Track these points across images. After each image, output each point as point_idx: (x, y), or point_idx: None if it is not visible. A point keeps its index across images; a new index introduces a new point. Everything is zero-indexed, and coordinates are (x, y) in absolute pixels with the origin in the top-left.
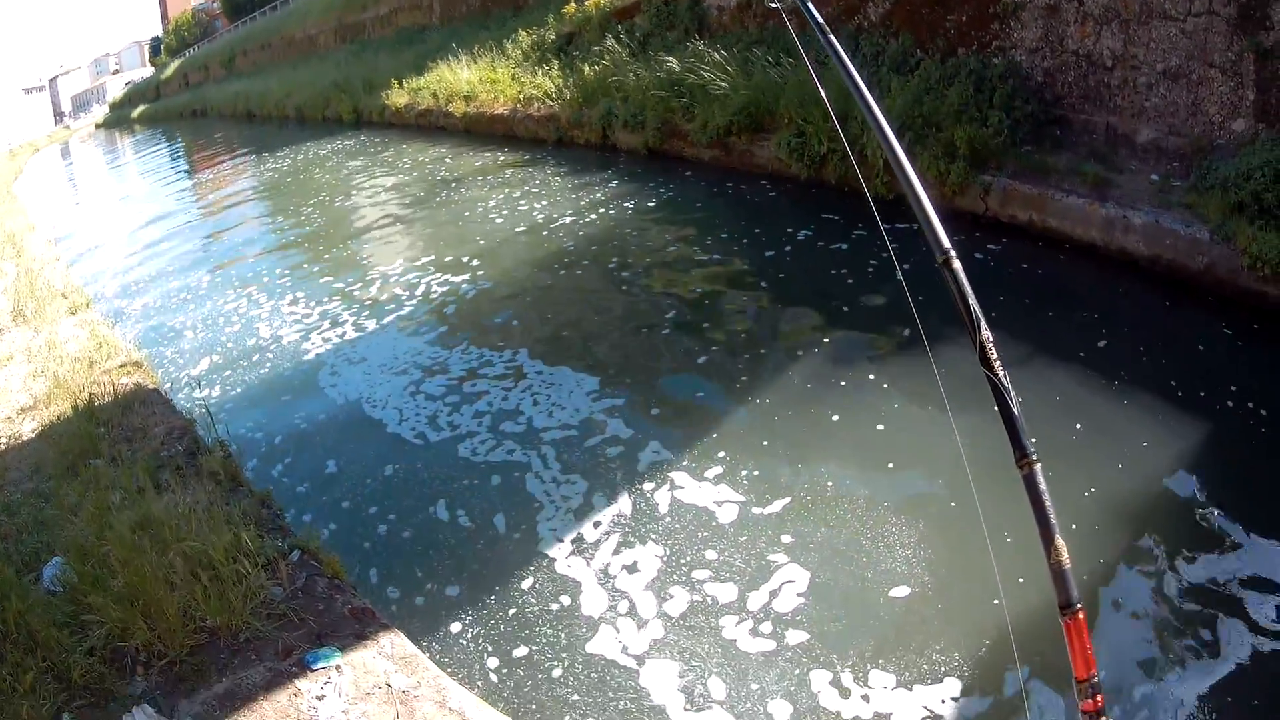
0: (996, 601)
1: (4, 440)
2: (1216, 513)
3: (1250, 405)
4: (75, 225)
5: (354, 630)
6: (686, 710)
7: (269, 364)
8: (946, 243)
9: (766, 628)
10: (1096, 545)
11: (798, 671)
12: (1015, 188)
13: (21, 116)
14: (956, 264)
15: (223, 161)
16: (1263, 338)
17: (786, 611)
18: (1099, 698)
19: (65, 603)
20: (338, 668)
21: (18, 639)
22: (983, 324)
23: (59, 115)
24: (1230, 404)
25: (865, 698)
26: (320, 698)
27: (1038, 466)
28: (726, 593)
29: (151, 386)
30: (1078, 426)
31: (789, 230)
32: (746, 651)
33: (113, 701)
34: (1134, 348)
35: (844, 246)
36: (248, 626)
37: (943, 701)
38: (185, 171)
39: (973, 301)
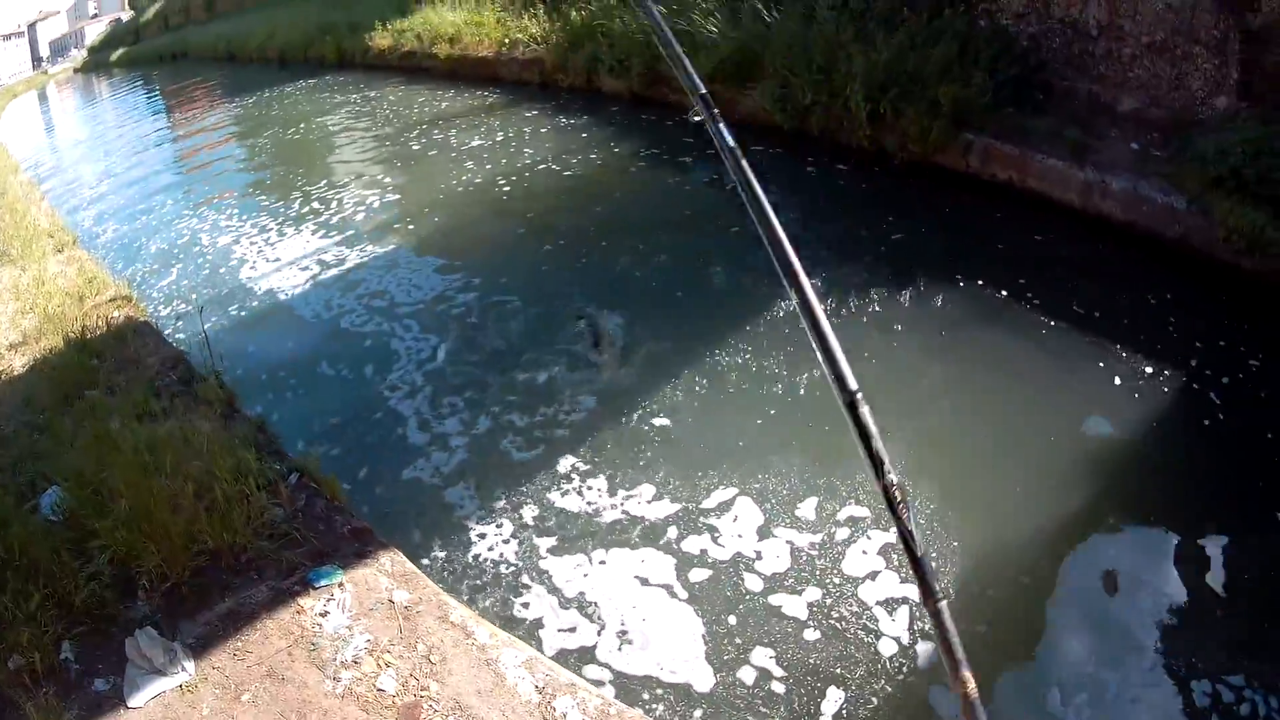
0: None
1: None
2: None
3: (1209, 372)
4: (56, 167)
5: (354, 549)
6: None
7: (253, 295)
8: (854, 384)
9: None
10: (1052, 475)
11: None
12: (996, 148)
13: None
14: (864, 408)
15: (201, 103)
16: (1233, 307)
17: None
18: None
19: (65, 530)
20: (340, 585)
21: (19, 566)
22: (887, 466)
23: (37, 61)
24: (1194, 364)
25: None
26: (324, 614)
27: (943, 604)
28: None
29: (142, 319)
30: (1049, 374)
31: (770, 184)
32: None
33: (114, 626)
34: (1108, 307)
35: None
36: (250, 547)
37: None
38: (163, 112)
39: (877, 444)
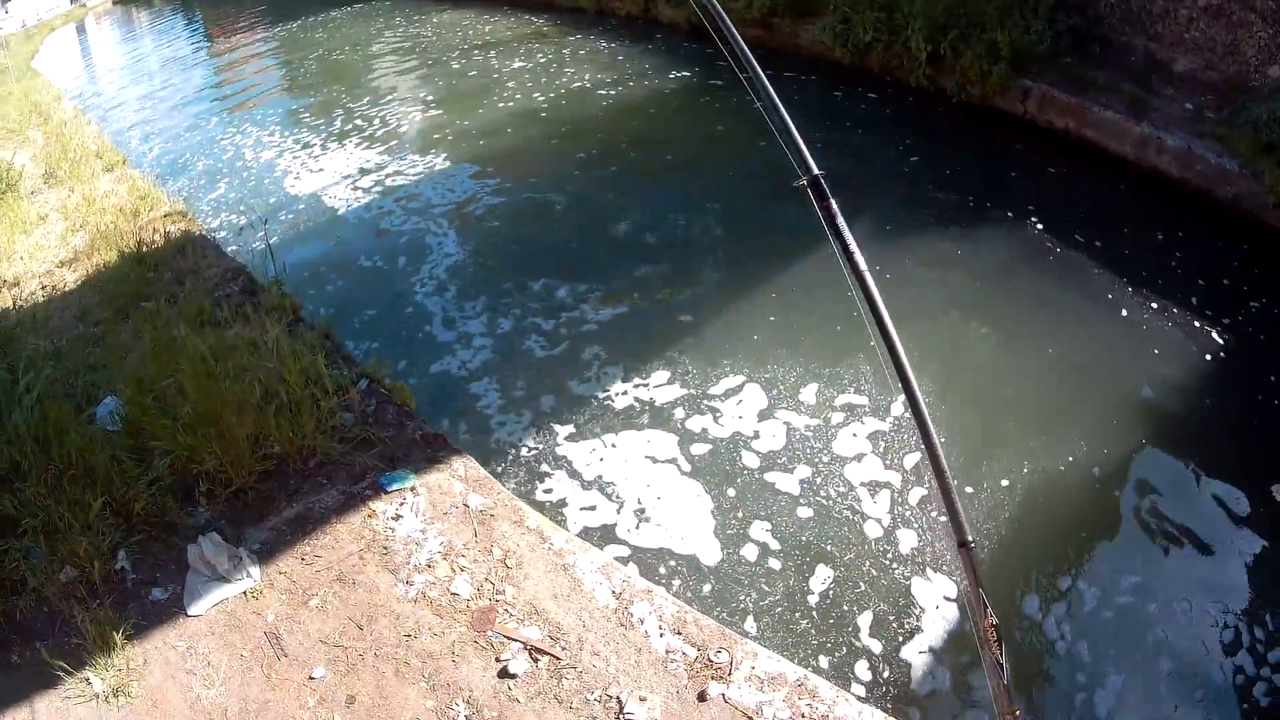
0: None
1: (44, 292)
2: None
3: (1262, 336)
4: (99, 93)
5: (426, 454)
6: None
7: (299, 203)
8: (969, 533)
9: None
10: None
11: None
12: (1054, 95)
13: None
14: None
15: (244, 29)
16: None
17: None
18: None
19: (124, 438)
20: (413, 489)
21: (77, 475)
22: (988, 609)
23: None
24: (1241, 324)
25: None
26: (397, 518)
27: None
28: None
29: (199, 233)
30: (1097, 324)
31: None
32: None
33: (174, 534)
34: (1159, 263)
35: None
36: (319, 451)
37: None
38: (205, 40)
39: (983, 591)
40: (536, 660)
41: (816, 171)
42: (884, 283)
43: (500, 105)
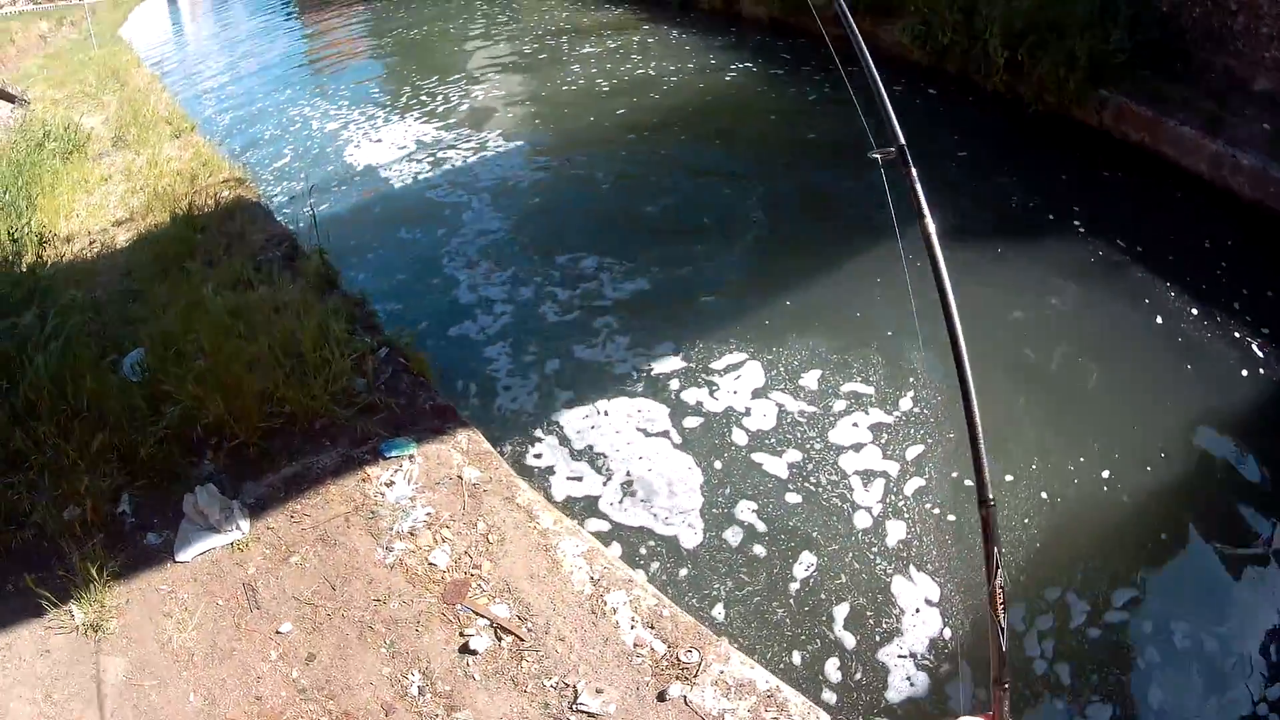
0: None
1: (97, 248)
2: None
3: None
4: (181, 60)
5: (432, 425)
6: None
7: (354, 171)
8: (990, 491)
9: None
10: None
11: None
12: (1131, 108)
13: None
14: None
15: (334, 4)
16: None
17: None
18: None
19: (143, 388)
20: (411, 458)
21: (88, 417)
22: (999, 570)
23: None
24: None
25: None
26: (389, 484)
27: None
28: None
29: (253, 199)
30: (1161, 349)
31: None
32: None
33: (177, 483)
34: (1226, 286)
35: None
36: (325, 413)
37: None
38: (294, 14)
39: (997, 549)
40: (500, 639)
41: (902, 141)
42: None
43: (563, 88)
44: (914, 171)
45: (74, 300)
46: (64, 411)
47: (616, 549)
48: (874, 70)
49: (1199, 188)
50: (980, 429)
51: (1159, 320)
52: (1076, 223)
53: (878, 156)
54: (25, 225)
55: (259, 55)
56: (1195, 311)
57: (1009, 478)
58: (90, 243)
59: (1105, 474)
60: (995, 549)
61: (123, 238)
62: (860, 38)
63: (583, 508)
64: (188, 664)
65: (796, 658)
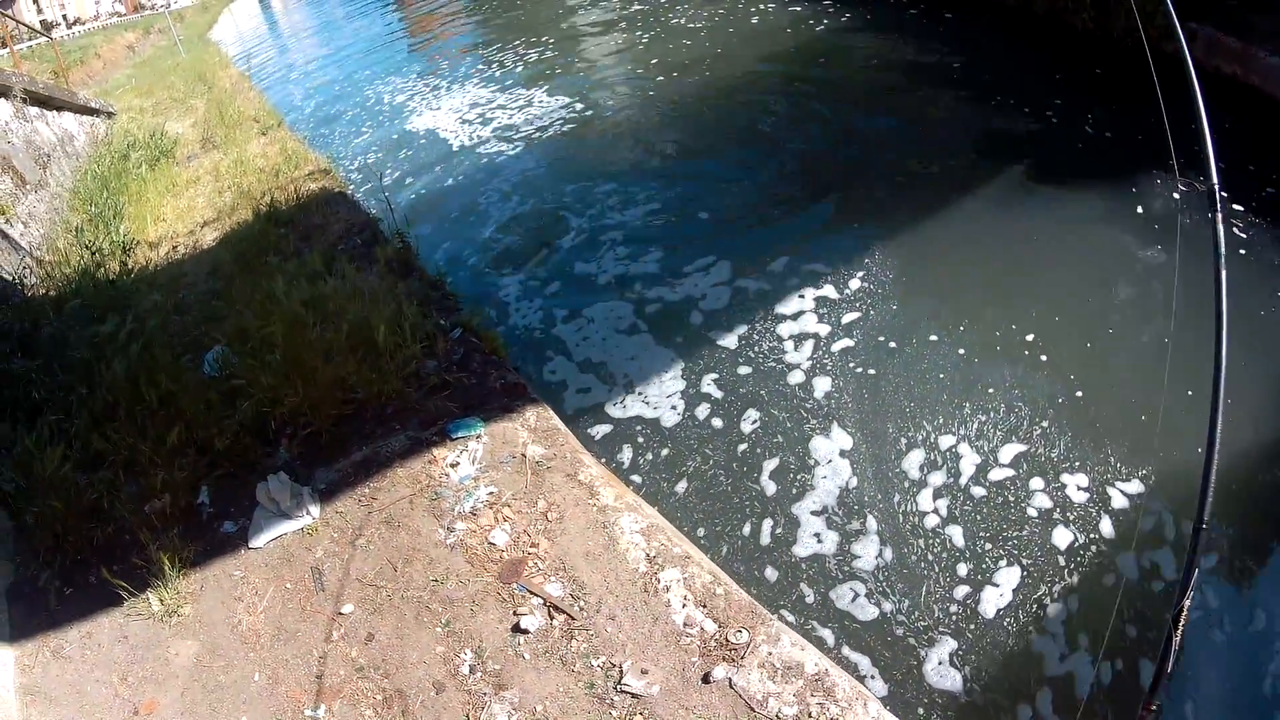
0: None
1: (184, 250)
2: None
3: None
4: (272, 57)
5: (502, 403)
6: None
7: (460, 172)
8: (1207, 515)
9: None
10: None
11: None
12: (1222, 40)
13: None
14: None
15: None
16: None
17: None
18: None
19: (221, 383)
20: (478, 437)
21: (164, 416)
22: (1190, 593)
23: None
24: None
25: None
26: (454, 465)
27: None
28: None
29: (338, 190)
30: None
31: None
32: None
33: (253, 472)
34: None
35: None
36: (397, 397)
37: None
38: (392, 7)
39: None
40: (553, 618)
41: (1215, 182)
42: (1039, 231)
43: (688, 69)
44: (1219, 215)
45: (155, 304)
46: (140, 411)
47: (670, 529)
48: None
49: None
50: (1216, 452)
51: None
52: (1174, 167)
53: (1194, 187)
54: (108, 236)
55: (351, 42)
56: None
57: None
58: (177, 246)
59: None
60: (1195, 572)
61: (210, 237)
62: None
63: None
64: (254, 645)
65: None
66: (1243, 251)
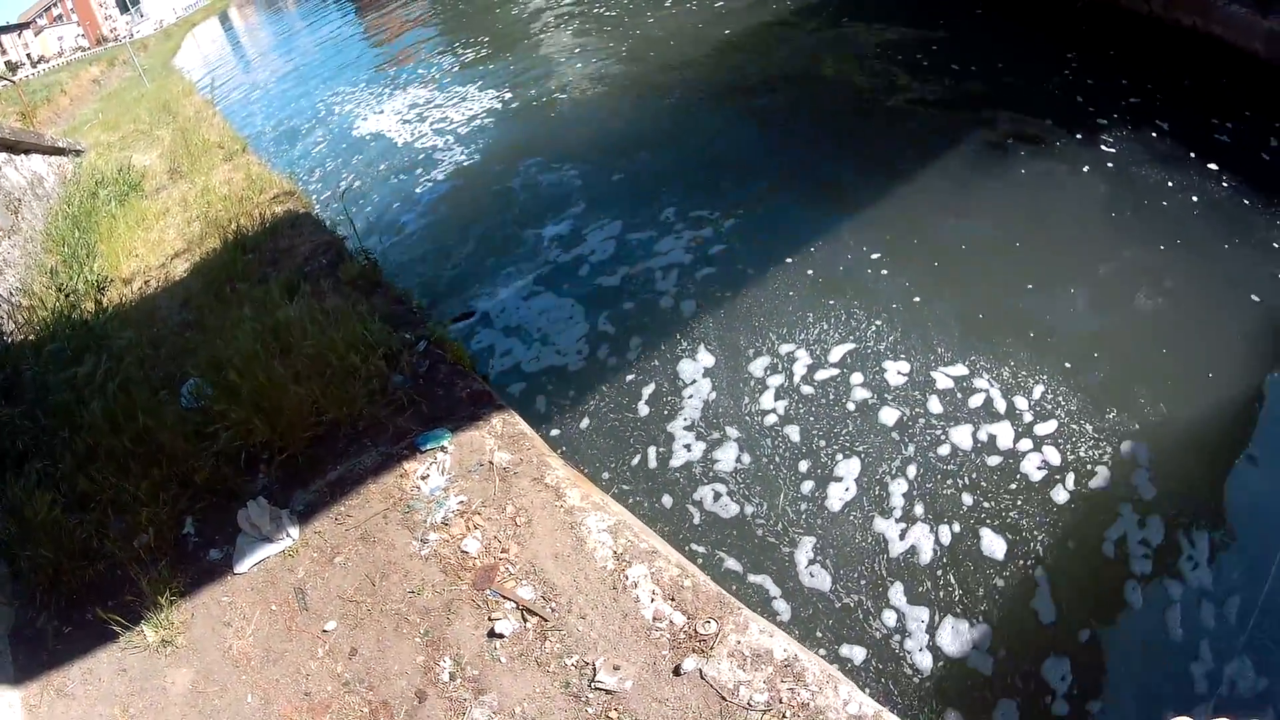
0: None
1: (157, 283)
2: None
3: None
4: (232, 80)
5: (469, 412)
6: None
7: (421, 182)
8: None
9: None
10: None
11: None
12: None
13: None
14: None
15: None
16: None
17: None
18: None
19: (197, 415)
20: (444, 448)
21: (144, 453)
22: None
23: None
24: None
25: None
26: (424, 477)
27: None
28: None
29: (303, 211)
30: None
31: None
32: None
33: (235, 500)
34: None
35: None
36: (365, 415)
37: None
38: (352, 13)
39: None
40: (525, 620)
41: None
42: (1021, 185)
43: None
44: None
45: (130, 341)
46: (121, 450)
47: (636, 524)
48: None
49: (1255, 67)
50: None
51: (1215, 209)
52: (1137, 118)
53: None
54: (80, 276)
55: (310, 55)
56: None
57: None
58: (150, 280)
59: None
60: None
61: (181, 269)
62: None
63: None
64: (246, 668)
65: None
66: (1195, 198)
